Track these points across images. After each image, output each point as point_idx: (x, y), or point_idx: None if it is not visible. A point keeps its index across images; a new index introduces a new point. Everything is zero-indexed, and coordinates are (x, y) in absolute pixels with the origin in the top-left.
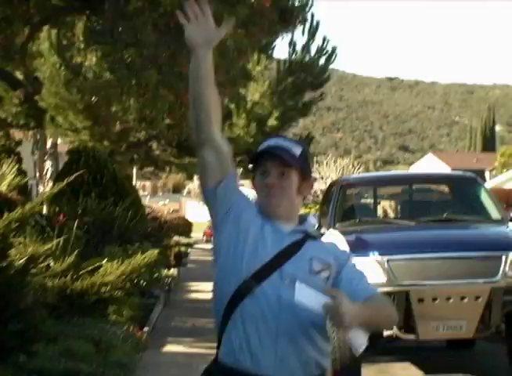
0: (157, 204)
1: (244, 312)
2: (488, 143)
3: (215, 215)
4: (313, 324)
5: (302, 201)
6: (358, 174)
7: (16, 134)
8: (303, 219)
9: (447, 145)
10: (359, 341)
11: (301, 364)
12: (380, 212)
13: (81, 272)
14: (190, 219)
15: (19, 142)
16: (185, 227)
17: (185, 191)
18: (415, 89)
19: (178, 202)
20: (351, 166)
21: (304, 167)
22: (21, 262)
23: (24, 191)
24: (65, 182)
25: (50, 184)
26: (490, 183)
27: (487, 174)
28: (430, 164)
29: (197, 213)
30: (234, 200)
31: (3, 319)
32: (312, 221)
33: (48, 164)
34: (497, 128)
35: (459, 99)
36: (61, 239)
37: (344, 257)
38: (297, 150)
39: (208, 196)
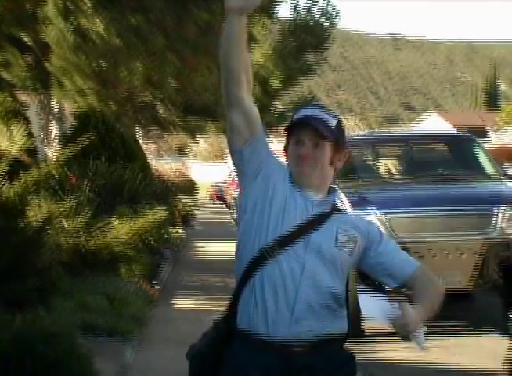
0: (162, 165)
1: (264, 276)
2: (492, 101)
3: (242, 175)
4: (332, 294)
5: (334, 174)
6: (359, 134)
7: (23, 96)
8: (333, 191)
9: (451, 103)
10: (421, 337)
11: (316, 329)
12: (383, 171)
13: (93, 232)
14: (195, 180)
15: (25, 105)
16: (190, 188)
17: (189, 152)
18: (419, 48)
19: (183, 164)
20: (354, 125)
21: (338, 139)
22: (38, 222)
23: (33, 153)
24: (79, 145)
25: (56, 146)
26: (494, 140)
27: (490, 132)
28: (433, 124)
29: (202, 174)
30: (263, 161)
31: (22, 277)
32: (340, 194)
33: (54, 127)
34: (501, 86)
35: (463, 58)
36: (76, 200)
37: (375, 230)
38: (333, 121)
39: (236, 156)
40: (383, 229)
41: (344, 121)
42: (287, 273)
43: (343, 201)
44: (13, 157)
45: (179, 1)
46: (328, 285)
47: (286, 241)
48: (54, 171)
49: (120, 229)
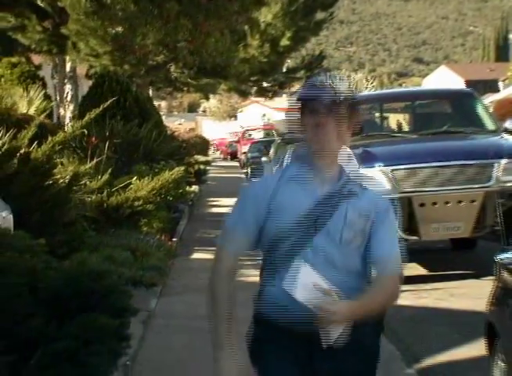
0: (173, 123)
1: (282, 264)
2: (502, 53)
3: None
4: (353, 273)
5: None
6: (367, 91)
7: (35, 58)
8: (347, 158)
9: (461, 55)
10: (334, 334)
11: None
12: (392, 126)
13: (114, 189)
14: (207, 138)
15: (39, 67)
16: (202, 146)
17: (200, 110)
18: (428, 0)
19: (194, 121)
20: (364, 80)
21: (351, 102)
22: (65, 180)
23: (49, 114)
24: (101, 107)
25: (71, 107)
26: (503, 93)
27: (500, 84)
28: (443, 77)
29: (213, 131)
30: (259, 206)
31: (51, 232)
32: (354, 161)
33: (67, 88)
34: (511, 37)
35: (473, 8)
36: (97, 159)
37: (384, 208)
38: (344, 86)
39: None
40: (387, 181)
41: (354, 76)
42: (303, 260)
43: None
44: (40, 121)
45: None
46: (346, 265)
47: (294, 229)
48: (80, 132)
49: (139, 185)
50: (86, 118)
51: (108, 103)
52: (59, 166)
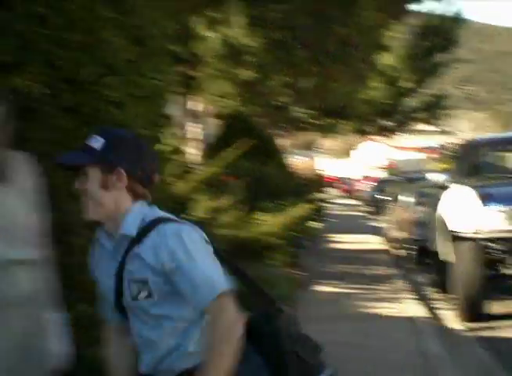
0: (291, 160)
1: None
2: None
3: None
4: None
5: (127, 195)
6: (488, 134)
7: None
8: (124, 217)
9: None
10: None
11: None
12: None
13: (245, 225)
14: (323, 175)
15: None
16: (319, 183)
17: (316, 148)
18: None
19: (310, 158)
20: (485, 120)
21: (107, 159)
22: (206, 215)
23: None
24: (240, 151)
25: (198, 145)
26: None
27: None
28: None
29: (330, 169)
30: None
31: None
32: (134, 215)
33: (194, 126)
34: None
35: None
36: (233, 197)
37: (168, 253)
38: (97, 144)
39: None
40: (505, 220)
41: (475, 114)
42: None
43: (470, 195)
44: (184, 161)
45: (319, 18)
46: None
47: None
48: (220, 171)
49: (270, 221)
50: (226, 159)
51: (245, 146)
52: (197, 202)
